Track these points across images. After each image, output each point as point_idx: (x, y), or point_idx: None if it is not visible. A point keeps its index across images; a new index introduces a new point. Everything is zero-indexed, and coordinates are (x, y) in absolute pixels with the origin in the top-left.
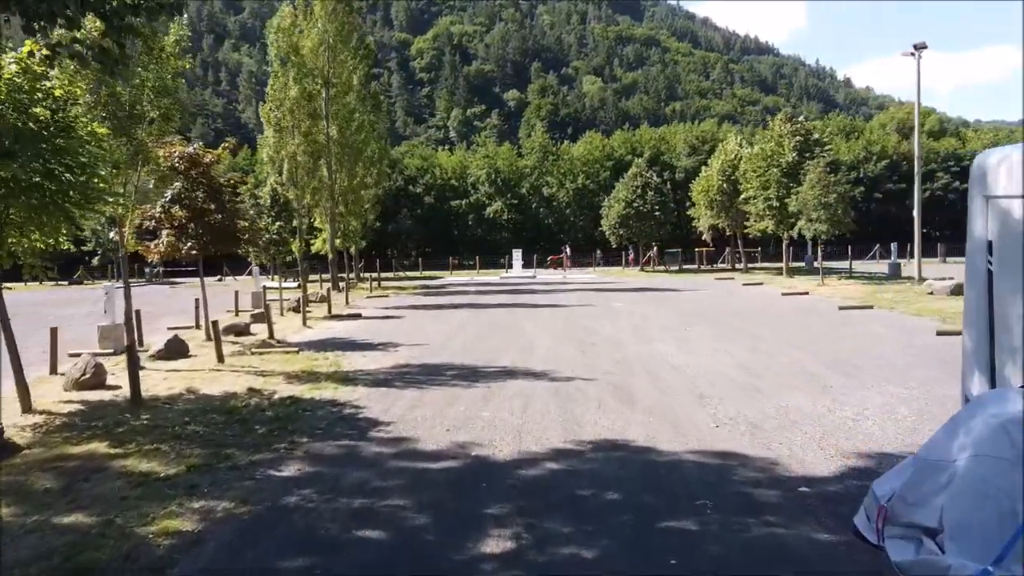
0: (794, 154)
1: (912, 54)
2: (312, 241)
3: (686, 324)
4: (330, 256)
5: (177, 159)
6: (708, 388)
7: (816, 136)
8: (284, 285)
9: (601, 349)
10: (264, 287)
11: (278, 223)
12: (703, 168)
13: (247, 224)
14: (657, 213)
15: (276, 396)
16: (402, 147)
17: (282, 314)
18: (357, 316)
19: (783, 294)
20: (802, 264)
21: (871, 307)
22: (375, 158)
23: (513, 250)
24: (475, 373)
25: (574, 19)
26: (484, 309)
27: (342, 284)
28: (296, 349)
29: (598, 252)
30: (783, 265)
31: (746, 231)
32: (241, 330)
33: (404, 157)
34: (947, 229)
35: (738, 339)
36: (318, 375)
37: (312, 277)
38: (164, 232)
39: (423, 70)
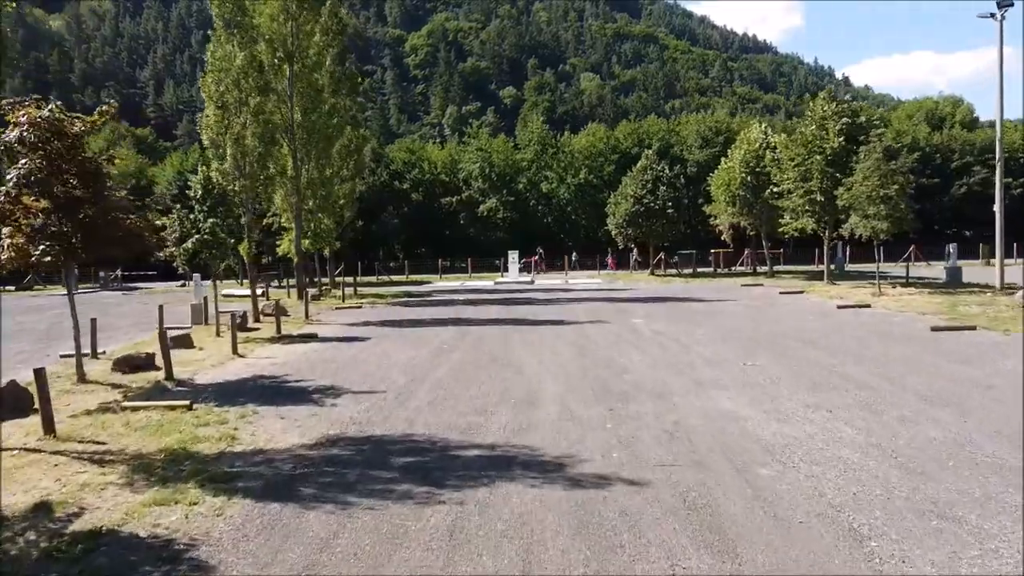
0: (841, 139)
1: (993, 16)
2: (278, 242)
3: (741, 353)
4: (295, 260)
5: (26, 127)
6: (854, 508)
7: (864, 118)
8: (243, 294)
9: (638, 404)
10: (205, 298)
11: (211, 219)
12: (722, 160)
13: (137, 221)
14: (670, 210)
15: (72, 528)
16: (394, 145)
17: (218, 334)
18: (311, 338)
19: (839, 307)
20: (831, 267)
21: (972, 328)
22: (352, 147)
23: (509, 252)
24: (442, 462)
25: (571, 16)
26: (472, 327)
27: (313, 291)
28: (188, 403)
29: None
30: (823, 269)
31: (780, 230)
32: (139, 364)
33: (390, 150)
34: (987, 229)
35: (833, 385)
36: (186, 464)
37: (290, 282)
38: (6, 231)
39: (417, 67)
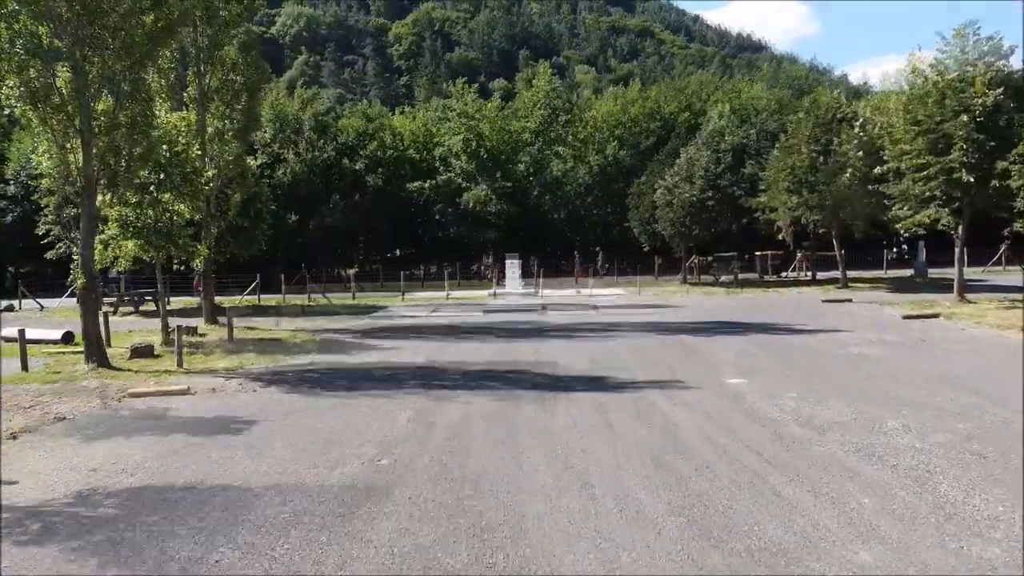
0: (997, 91)
1: None
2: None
3: None
4: (78, 281)
5: None
6: None
7: (1018, 70)
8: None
9: None
10: None
11: None
12: (781, 137)
13: None
14: (740, 199)
15: None
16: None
17: None
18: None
19: None
20: (910, 272)
21: None
22: (238, 85)
23: (506, 257)
24: None
25: (564, 8)
26: (444, 407)
27: (159, 329)
28: None
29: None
30: (897, 275)
31: (898, 226)
32: None
33: (340, 117)
34: None
35: None
36: None
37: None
38: None
39: (401, 57)
